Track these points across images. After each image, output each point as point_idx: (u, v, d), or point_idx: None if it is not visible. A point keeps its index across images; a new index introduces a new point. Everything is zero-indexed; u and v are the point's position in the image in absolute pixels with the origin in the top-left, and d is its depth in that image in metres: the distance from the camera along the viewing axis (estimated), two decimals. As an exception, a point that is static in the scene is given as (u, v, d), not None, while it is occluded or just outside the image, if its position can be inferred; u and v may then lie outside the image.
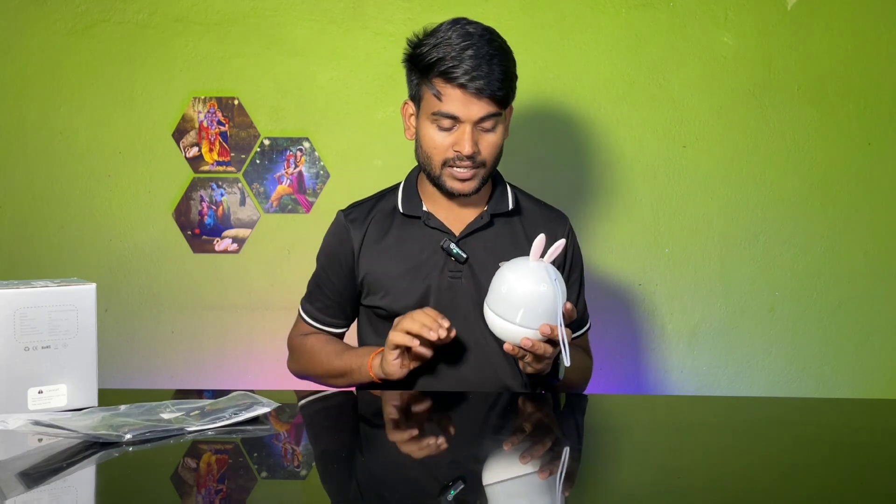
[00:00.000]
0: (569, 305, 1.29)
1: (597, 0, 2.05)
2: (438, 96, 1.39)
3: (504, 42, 1.43)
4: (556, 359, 1.36)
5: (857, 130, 2.07)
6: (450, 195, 1.46)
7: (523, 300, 1.24)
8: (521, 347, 1.27)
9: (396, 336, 1.32)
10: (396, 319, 1.35)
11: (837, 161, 2.08)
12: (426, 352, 1.33)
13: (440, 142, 1.41)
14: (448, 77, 1.37)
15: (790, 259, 2.09)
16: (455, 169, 1.42)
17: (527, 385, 1.49)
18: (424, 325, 1.29)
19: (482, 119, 1.39)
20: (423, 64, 1.40)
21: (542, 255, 1.26)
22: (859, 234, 2.09)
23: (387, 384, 1.40)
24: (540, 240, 1.26)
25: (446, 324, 1.30)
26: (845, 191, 2.08)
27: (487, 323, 1.30)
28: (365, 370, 1.41)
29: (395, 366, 1.35)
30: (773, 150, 2.07)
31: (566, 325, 1.28)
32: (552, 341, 1.27)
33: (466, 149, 1.38)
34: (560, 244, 1.26)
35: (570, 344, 1.35)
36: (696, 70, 2.06)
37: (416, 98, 1.45)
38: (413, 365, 1.36)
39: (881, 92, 2.07)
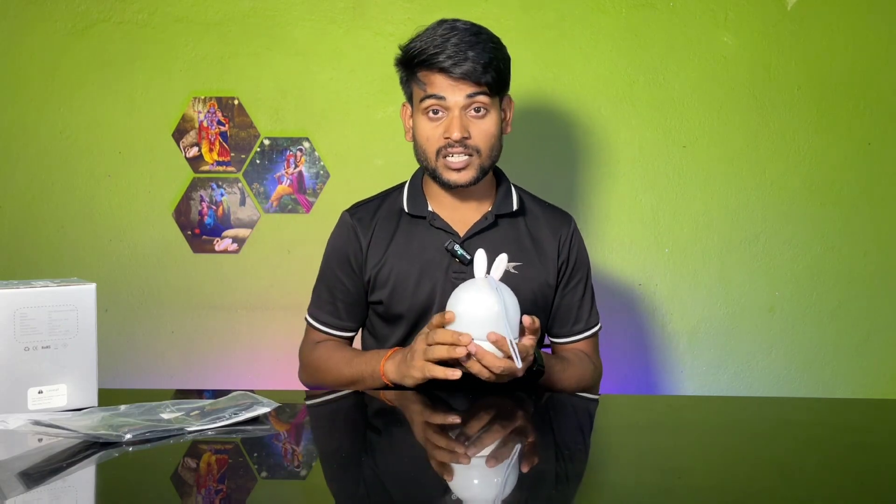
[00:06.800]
0: (527, 319, 1.27)
1: (597, 0, 2.05)
2: (424, 87, 1.41)
3: (493, 36, 1.44)
4: (530, 369, 1.34)
5: (857, 130, 2.07)
6: (448, 187, 1.46)
7: (469, 314, 1.25)
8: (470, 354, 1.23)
9: (435, 370, 1.28)
10: (418, 352, 1.29)
11: (837, 161, 2.08)
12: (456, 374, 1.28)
13: (431, 131, 1.42)
14: (431, 65, 1.39)
15: (790, 259, 2.09)
16: (449, 158, 1.42)
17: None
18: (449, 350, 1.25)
19: (470, 103, 1.40)
20: (408, 59, 1.43)
21: (489, 271, 1.28)
22: (859, 235, 2.09)
23: (397, 386, 1.39)
24: (480, 255, 1.27)
25: (466, 340, 1.24)
26: (845, 191, 2.08)
27: None
28: (377, 376, 1.38)
29: (421, 374, 1.30)
30: (773, 150, 2.07)
31: (532, 335, 1.28)
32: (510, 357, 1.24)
33: (454, 132, 1.39)
34: (502, 258, 1.27)
35: (564, 350, 1.44)
36: (696, 70, 2.06)
37: (409, 98, 1.48)
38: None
39: (881, 92, 2.07)
